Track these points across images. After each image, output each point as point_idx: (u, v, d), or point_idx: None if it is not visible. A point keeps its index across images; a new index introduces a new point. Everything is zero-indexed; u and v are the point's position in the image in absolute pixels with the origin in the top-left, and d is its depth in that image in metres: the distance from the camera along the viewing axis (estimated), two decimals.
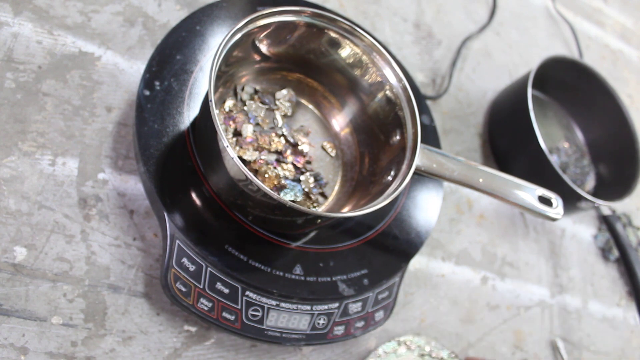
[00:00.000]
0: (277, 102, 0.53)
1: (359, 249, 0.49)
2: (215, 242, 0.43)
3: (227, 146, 0.37)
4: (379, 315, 0.49)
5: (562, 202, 0.52)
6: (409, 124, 0.47)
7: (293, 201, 0.49)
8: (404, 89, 0.48)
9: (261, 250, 0.45)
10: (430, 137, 0.58)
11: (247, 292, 0.43)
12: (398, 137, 0.49)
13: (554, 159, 0.71)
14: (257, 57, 0.50)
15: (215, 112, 0.38)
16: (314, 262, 0.46)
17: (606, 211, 0.76)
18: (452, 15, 0.79)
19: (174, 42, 0.47)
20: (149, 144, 0.43)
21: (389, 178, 0.47)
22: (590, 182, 0.79)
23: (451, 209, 0.65)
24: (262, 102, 0.52)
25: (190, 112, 0.46)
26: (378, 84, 0.50)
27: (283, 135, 0.51)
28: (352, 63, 0.50)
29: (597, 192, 0.77)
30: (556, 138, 0.79)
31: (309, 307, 0.45)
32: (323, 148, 0.54)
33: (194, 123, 0.46)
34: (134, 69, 0.50)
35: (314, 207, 0.50)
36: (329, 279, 0.46)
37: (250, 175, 0.37)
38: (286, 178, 0.49)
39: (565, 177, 0.63)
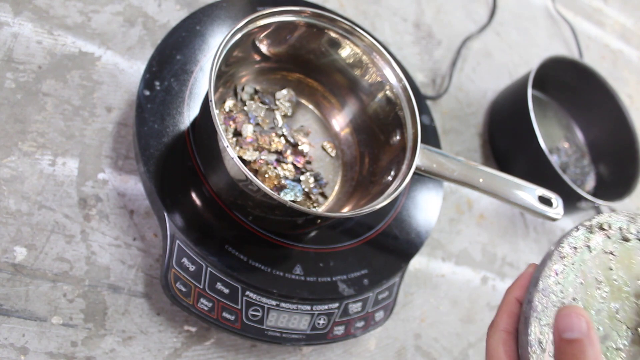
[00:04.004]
0: (277, 102, 0.53)
1: (359, 249, 0.49)
2: (215, 242, 0.43)
3: (227, 146, 0.37)
4: (379, 315, 0.49)
5: (562, 202, 0.52)
6: (409, 124, 0.47)
7: (293, 201, 0.49)
8: (404, 89, 0.48)
9: (261, 250, 0.45)
10: (430, 137, 0.58)
11: (247, 292, 0.43)
12: (398, 137, 0.49)
13: (554, 159, 0.71)
14: (257, 57, 0.50)
15: (215, 112, 0.38)
16: (314, 262, 0.46)
17: (606, 211, 0.76)
18: (452, 15, 0.79)
19: (174, 42, 0.47)
20: (149, 144, 0.43)
21: (389, 178, 0.47)
22: (590, 182, 0.79)
23: (451, 209, 0.65)
24: (262, 102, 0.52)
25: (190, 112, 0.46)
26: (378, 84, 0.50)
27: (283, 135, 0.51)
28: (352, 63, 0.50)
29: (597, 192, 0.77)
30: (556, 138, 0.79)
31: (309, 307, 0.45)
32: (323, 148, 0.54)
33: (194, 123, 0.46)
34: (134, 69, 0.50)
35: (314, 207, 0.50)
36: (329, 279, 0.46)
37: (250, 175, 0.37)
38: (286, 178, 0.49)
39: (565, 177, 0.63)
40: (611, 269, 0.31)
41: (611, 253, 0.32)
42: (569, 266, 0.31)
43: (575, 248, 0.32)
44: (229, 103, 0.50)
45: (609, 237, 0.32)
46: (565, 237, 0.32)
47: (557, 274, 0.30)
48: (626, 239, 0.32)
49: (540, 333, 0.28)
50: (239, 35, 0.43)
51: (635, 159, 0.73)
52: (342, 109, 0.54)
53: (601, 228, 0.33)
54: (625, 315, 0.30)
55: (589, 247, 0.32)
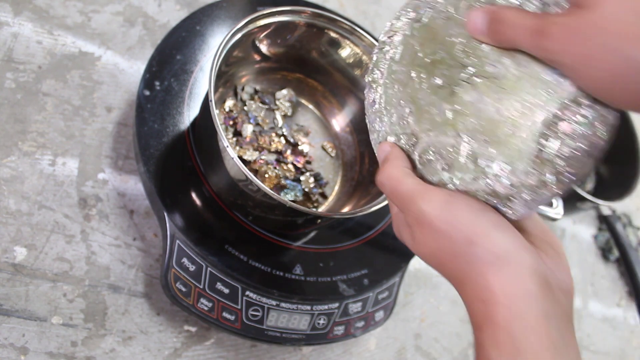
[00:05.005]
0: (277, 102, 0.53)
1: (359, 249, 0.49)
2: (215, 242, 0.43)
3: (227, 146, 0.37)
4: (379, 315, 0.49)
5: (562, 202, 0.52)
6: None
7: (293, 201, 0.49)
8: None
9: (261, 250, 0.45)
10: None
11: (247, 292, 0.43)
12: None
13: None
14: (257, 57, 0.50)
15: (215, 112, 0.38)
16: (314, 262, 0.46)
17: (606, 211, 0.76)
18: None
19: (174, 42, 0.47)
20: (149, 144, 0.43)
21: None
22: (590, 182, 0.79)
23: None
24: (262, 102, 0.52)
25: (190, 112, 0.46)
26: None
27: (283, 135, 0.51)
28: (352, 63, 0.50)
29: (597, 192, 0.77)
30: None
31: (309, 307, 0.45)
32: (323, 148, 0.54)
33: (194, 123, 0.46)
34: (134, 69, 0.50)
35: (314, 207, 0.50)
36: (329, 279, 0.46)
37: (250, 175, 0.37)
38: (286, 178, 0.49)
39: None
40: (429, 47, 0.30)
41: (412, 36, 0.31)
42: (386, 77, 0.32)
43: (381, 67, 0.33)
44: (229, 103, 0.50)
45: (407, 28, 0.32)
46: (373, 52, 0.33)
47: (372, 83, 0.33)
48: (418, 20, 0.31)
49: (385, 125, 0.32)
50: (239, 35, 0.43)
51: (635, 159, 0.73)
52: (342, 109, 0.54)
53: (394, 29, 0.32)
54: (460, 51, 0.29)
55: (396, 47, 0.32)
